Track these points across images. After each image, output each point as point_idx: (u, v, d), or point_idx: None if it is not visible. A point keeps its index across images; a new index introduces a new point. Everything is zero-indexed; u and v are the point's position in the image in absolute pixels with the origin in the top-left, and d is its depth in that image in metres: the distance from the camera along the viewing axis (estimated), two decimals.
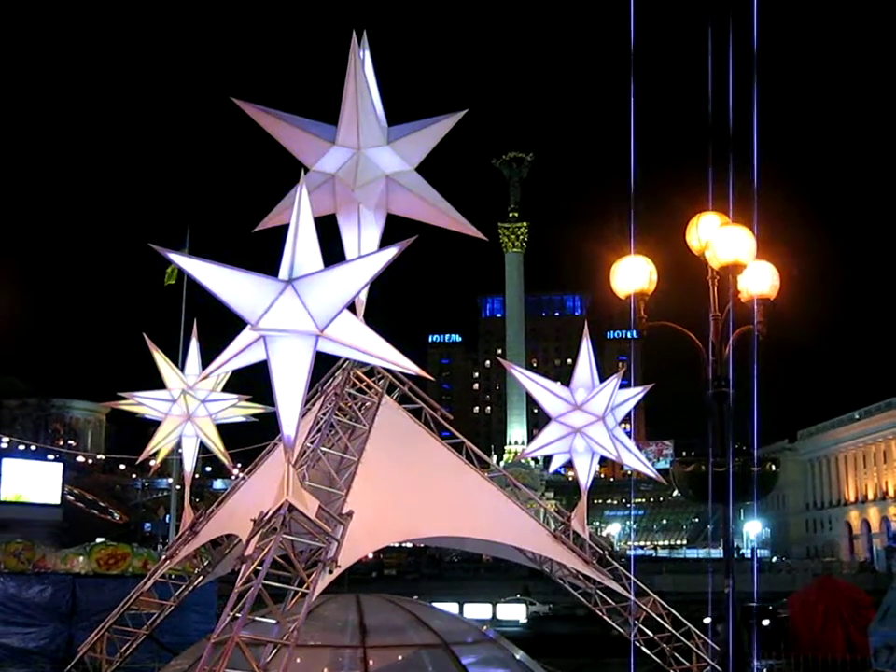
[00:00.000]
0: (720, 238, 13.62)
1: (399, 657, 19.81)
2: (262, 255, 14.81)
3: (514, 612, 52.70)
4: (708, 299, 13.92)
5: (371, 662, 18.23)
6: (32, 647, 26.83)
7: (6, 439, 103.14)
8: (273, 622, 14.32)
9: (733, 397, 13.47)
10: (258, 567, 14.34)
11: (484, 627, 22.28)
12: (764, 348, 14.11)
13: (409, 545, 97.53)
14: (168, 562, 23.20)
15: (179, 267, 13.57)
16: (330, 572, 15.21)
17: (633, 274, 14.17)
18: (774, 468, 17.09)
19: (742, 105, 13.84)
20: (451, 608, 35.53)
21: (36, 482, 62.85)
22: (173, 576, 24.05)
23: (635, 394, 21.73)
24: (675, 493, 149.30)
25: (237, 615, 13.85)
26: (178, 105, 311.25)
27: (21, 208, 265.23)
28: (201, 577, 23.72)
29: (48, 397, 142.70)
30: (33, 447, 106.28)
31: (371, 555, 75.46)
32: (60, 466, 68.64)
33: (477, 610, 49.11)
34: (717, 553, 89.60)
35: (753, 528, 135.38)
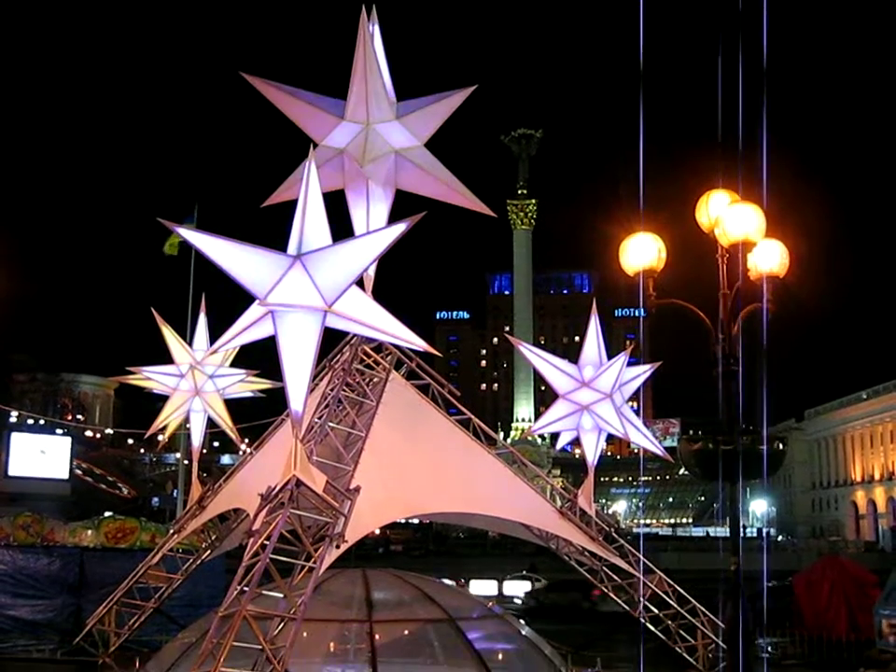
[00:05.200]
0: (729, 216, 13.58)
1: (406, 632, 19.90)
2: (271, 230, 14.80)
3: (520, 589, 52.85)
4: (717, 276, 13.88)
5: (377, 636, 18.30)
6: (40, 619, 27.03)
7: (14, 413, 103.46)
8: (281, 596, 14.39)
9: (741, 375, 13.45)
10: (265, 542, 14.40)
11: (490, 603, 22.35)
12: (773, 327, 14.10)
13: (415, 522, 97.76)
14: (176, 536, 23.33)
15: (188, 241, 13.57)
16: (337, 547, 15.28)
17: (642, 252, 14.12)
18: (781, 446, 17.09)
19: (752, 82, 13.77)
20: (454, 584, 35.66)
21: (45, 456, 63.03)
22: (181, 550, 24.20)
23: (642, 371, 21.73)
24: (681, 471, 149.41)
25: (245, 589, 13.93)
26: (187, 80, 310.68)
27: (30, 184, 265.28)
28: (208, 551, 23.87)
29: (56, 372, 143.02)
30: (41, 421, 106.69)
31: (377, 531, 75.73)
32: (68, 440, 68.83)
33: (483, 587, 49.21)
34: (723, 531, 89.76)
35: (759, 507, 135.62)
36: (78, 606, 26.93)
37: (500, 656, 20.17)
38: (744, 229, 13.46)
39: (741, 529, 14.08)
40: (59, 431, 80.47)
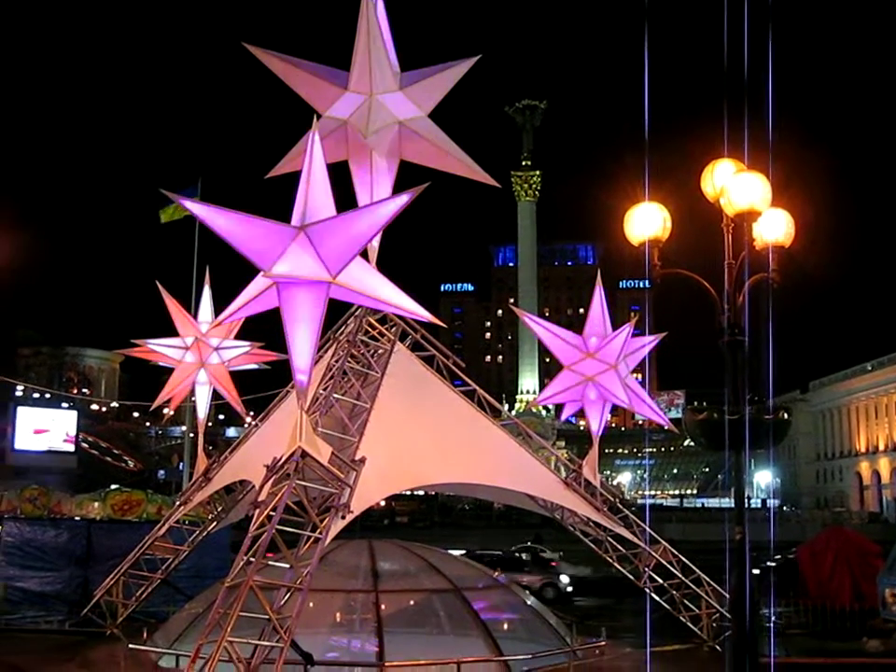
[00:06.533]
0: (735, 185, 13.48)
1: (411, 601, 20.02)
2: (275, 202, 14.76)
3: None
4: (723, 246, 13.80)
5: (382, 606, 18.43)
6: (48, 590, 27.16)
7: (20, 387, 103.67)
8: (287, 566, 14.47)
9: (747, 345, 13.42)
10: (271, 513, 14.47)
11: (496, 573, 22.47)
12: (778, 297, 14.05)
13: (420, 493, 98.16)
14: (182, 508, 23.44)
15: (192, 213, 13.55)
16: (343, 518, 15.34)
17: (647, 221, 14.03)
18: (787, 416, 17.11)
19: (757, 50, 13.66)
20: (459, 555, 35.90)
21: (51, 429, 63.25)
22: (187, 521, 24.30)
23: (647, 342, 21.76)
24: (686, 442, 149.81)
25: (251, 559, 14.01)
26: (190, 51, 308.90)
27: (33, 157, 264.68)
28: (214, 522, 23.98)
29: (61, 345, 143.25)
30: (47, 395, 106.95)
31: (382, 503, 76.05)
32: (74, 413, 69.03)
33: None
34: (728, 502, 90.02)
35: (764, 478, 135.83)
36: (86, 577, 27.06)
37: (505, 626, 20.33)
38: (749, 198, 13.37)
39: (746, 500, 14.07)
40: (64, 405, 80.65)
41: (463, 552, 48.15)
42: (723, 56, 13.42)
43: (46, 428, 62.84)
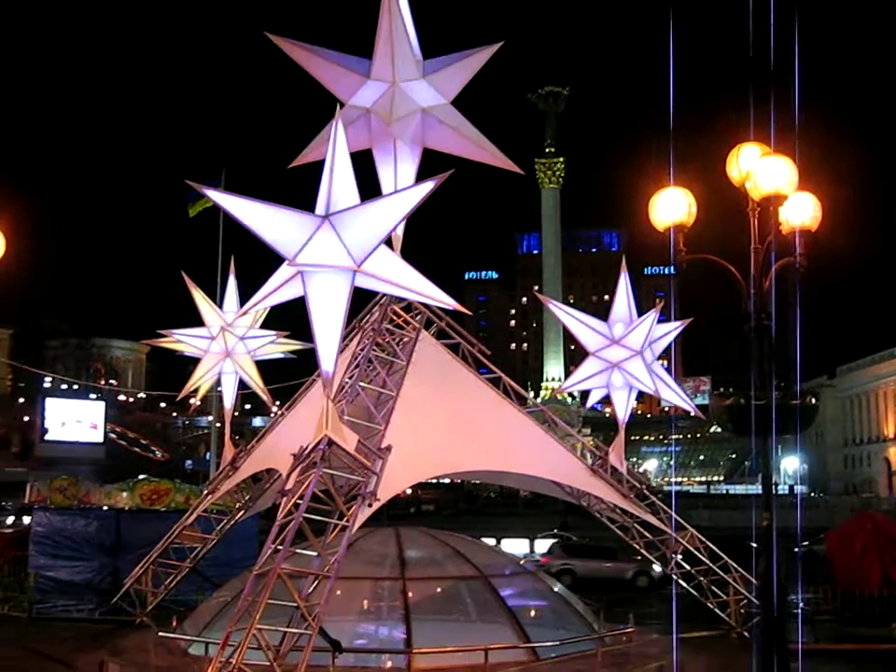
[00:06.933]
0: (761, 168, 13.40)
1: (438, 589, 20.06)
2: (299, 191, 14.77)
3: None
4: (748, 231, 13.71)
5: (410, 593, 18.47)
6: (78, 580, 27.42)
7: (48, 378, 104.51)
8: (314, 554, 14.52)
9: (773, 330, 13.33)
10: (298, 501, 14.50)
11: (522, 560, 22.48)
12: (805, 282, 13.95)
13: (446, 481, 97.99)
14: (210, 497, 23.58)
15: (216, 203, 13.57)
16: (370, 506, 15.37)
17: (672, 206, 13.98)
18: (814, 401, 17.00)
19: (783, 33, 13.54)
20: (488, 543, 35.82)
21: (79, 420, 63.76)
22: (214, 510, 24.45)
23: (673, 328, 21.67)
24: (712, 429, 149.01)
25: (279, 547, 14.07)
26: (213, 41, 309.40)
27: (59, 150, 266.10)
28: (242, 511, 24.10)
29: (88, 336, 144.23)
30: (75, 386, 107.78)
31: (408, 491, 76.16)
32: (102, 404, 69.61)
33: (514, 546, 49.41)
34: (754, 488, 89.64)
35: (791, 464, 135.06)
36: (116, 566, 27.30)
37: (533, 612, 20.31)
38: (775, 182, 13.29)
39: (773, 486, 14.01)
40: (92, 396, 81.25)
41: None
42: (749, 38, 13.31)
43: (77, 419, 63.39)
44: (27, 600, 26.76)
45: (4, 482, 68.99)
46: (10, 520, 48.59)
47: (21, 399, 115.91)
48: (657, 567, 36.83)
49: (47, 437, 61.93)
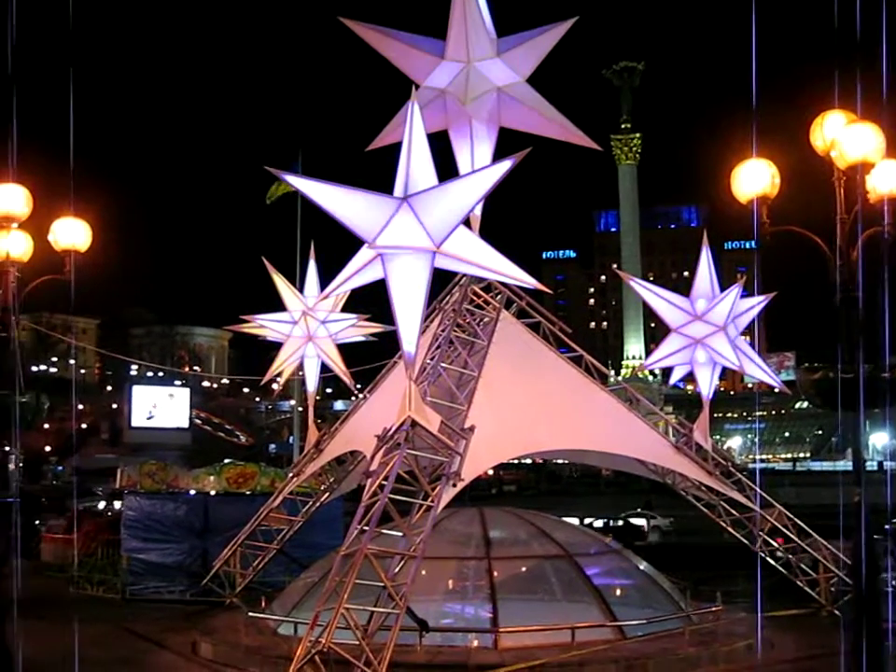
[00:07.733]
0: (846, 136, 13.09)
1: (524, 568, 20.08)
2: (377, 174, 14.82)
3: None
4: (834, 201, 13.41)
5: (495, 573, 18.52)
6: (169, 562, 27.94)
7: (134, 366, 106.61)
8: (400, 534, 14.62)
9: (861, 302, 13.05)
10: (383, 482, 14.61)
11: (608, 539, 22.39)
12: (894, 251, 13.61)
13: (528, 461, 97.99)
14: (295, 479, 23.87)
15: (295, 188, 13.71)
16: (454, 486, 15.42)
17: (755, 178, 13.74)
18: None
19: None
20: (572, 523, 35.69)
21: (166, 407, 64.86)
22: (300, 493, 24.74)
23: (757, 303, 21.31)
24: (797, 405, 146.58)
25: (365, 528, 14.19)
26: (288, 26, 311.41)
27: (140, 139, 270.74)
28: (327, 493, 24.35)
29: (172, 324, 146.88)
30: (160, 374, 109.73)
31: (490, 472, 76.19)
32: (187, 391, 70.58)
33: (598, 525, 49.23)
34: (841, 465, 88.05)
35: (880, 439, 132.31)
36: (205, 549, 27.74)
37: (619, 591, 20.23)
38: (862, 149, 12.98)
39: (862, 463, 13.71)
40: (177, 382, 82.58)
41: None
42: (834, 3, 12.99)
43: (163, 406, 64.43)
44: (120, 582, 27.45)
45: (95, 468, 70.61)
46: (102, 505, 49.62)
47: (109, 388, 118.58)
48: None
49: (133, 423, 63.10)
